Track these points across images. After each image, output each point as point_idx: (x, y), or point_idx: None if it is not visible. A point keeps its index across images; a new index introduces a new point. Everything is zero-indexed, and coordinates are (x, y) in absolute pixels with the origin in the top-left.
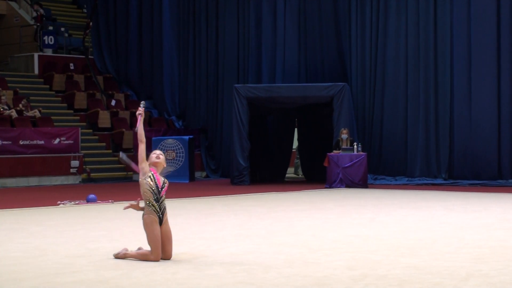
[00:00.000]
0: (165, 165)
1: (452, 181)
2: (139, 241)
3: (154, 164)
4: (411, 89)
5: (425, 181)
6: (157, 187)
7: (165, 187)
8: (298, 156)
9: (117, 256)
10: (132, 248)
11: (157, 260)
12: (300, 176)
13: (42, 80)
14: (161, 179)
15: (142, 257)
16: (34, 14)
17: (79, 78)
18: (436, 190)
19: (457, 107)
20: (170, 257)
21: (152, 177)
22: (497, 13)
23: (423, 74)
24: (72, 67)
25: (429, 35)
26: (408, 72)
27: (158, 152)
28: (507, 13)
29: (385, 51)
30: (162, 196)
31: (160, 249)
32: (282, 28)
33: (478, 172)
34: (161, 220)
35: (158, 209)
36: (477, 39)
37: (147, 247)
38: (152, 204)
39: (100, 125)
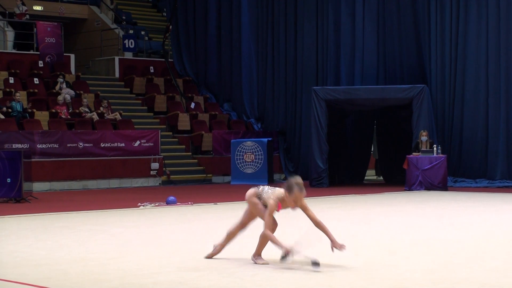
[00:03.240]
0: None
1: None
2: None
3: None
4: (492, 91)
5: (507, 184)
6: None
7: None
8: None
9: (210, 256)
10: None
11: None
12: (378, 178)
13: (122, 83)
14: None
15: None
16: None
17: (159, 81)
18: None
19: None
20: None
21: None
22: None
23: (504, 76)
24: (152, 70)
25: (510, 36)
26: (489, 73)
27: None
28: None
29: (465, 53)
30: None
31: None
32: (361, 30)
33: None
34: None
35: None
36: None
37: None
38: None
39: (179, 128)
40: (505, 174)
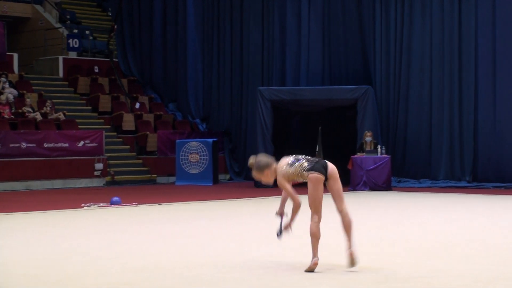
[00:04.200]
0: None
1: (476, 183)
2: (164, 243)
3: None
4: (436, 92)
5: (449, 184)
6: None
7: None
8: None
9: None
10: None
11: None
12: None
13: (66, 83)
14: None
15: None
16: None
17: (104, 81)
18: (460, 192)
19: (481, 110)
20: (345, 213)
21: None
22: None
23: (448, 77)
24: (96, 70)
25: (453, 38)
26: (433, 75)
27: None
28: None
29: (410, 54)
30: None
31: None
32: (306, 31)
33: (502, 174)
34: (326, 177)
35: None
36: (502, 42)
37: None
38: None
39: (124, 128)
40: (448, 174)
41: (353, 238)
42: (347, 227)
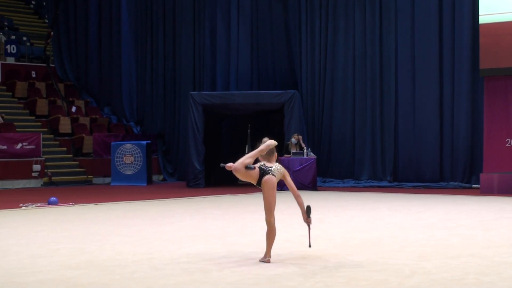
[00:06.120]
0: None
1: (396, 183)
2: (100, 241)
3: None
4: (358, 97)
5: (371, 184)
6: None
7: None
8: None
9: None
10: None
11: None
12: None
13: (4, 87)
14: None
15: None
16: None
17: (41, 86)
18: (381, 192)
19: (402, 114)
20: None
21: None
22: (439, 24)
23: (370, 83)
24: (34, 75)
25: (375, 46)
26: (356, 80)
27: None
28: (448, 25)
29: (334, 60)
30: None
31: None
32: (235, 38)
33: (421, 175)
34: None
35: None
36: (421, 50)
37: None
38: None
39: (61, 131)
40: (371, 174)
41: (271, 249)
42: (270, 238)
